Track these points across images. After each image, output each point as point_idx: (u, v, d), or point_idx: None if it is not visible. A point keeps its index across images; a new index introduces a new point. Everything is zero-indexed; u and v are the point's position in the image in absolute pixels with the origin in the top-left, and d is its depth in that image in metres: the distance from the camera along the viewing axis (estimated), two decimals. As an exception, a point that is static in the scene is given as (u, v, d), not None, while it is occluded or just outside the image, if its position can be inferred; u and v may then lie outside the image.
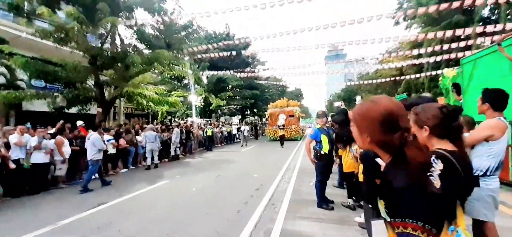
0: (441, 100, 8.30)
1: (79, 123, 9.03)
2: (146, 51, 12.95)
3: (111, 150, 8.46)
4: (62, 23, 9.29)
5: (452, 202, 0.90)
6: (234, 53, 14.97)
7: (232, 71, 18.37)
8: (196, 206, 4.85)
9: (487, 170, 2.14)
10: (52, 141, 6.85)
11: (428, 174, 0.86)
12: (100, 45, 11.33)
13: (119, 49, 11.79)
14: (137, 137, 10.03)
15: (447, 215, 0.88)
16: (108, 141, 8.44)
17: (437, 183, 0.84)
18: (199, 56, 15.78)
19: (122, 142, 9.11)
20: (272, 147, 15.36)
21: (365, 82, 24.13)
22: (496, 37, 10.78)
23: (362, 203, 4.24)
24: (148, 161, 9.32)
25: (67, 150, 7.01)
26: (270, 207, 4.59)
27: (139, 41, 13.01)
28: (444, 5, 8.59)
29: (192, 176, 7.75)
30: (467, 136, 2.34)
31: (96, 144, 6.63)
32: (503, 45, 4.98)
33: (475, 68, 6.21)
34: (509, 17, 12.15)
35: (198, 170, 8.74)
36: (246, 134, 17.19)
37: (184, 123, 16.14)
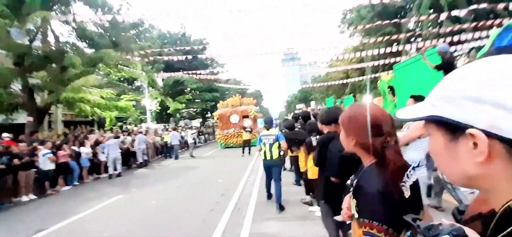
0: (380, 101, 9.51)
1: (5, 135, 7.56)
2: (89, 51, 11.52)
3: (49, 166, 7.27)
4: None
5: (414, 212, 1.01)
6: (190, 56, 14.36)
7: (190, 73, 17.60)
8: (156, 221, 4.53)
9: (419, 162, 2.62)
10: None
11: (402, 183, 0.92)
12: (28, 42, 9.64)
13: (53, 48, 10.21)
14: (81, 148, 8.84)
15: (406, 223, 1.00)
16: (44, 155, 7.24)
17: (407, 193, 0.90)
18: (152, 57, 14.69)
19: (61, 154, 7.87)
20: (232, 151, 14.41)
21: (318, 84, 26.02)
22: (420, 44, 12.95)
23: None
24: (111, 170, 9.14)
25: (-13, 170, 5.78)
26: (236, 212, 4.59)
27: (79, 39, 11.47)
28: (378, 22, 10.00)
29: (150, 187, 7.21)
30: (401, 136, 2.77)
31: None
32: (426, 55, 5.97)
33: (405, 74, 7.28)
34: (430, 28, 14.72)
35: (157, 180, 8.17)
36: (191, 140, 13.80)
37: (138, 129, 14.89)
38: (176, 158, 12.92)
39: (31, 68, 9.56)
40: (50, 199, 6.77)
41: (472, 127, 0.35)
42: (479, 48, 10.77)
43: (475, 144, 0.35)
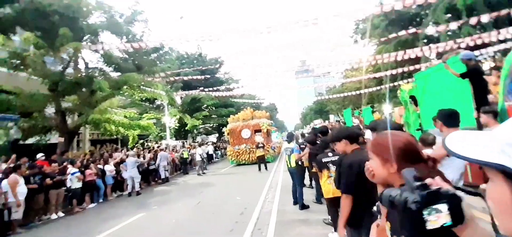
0: (401, 111, 9.12)
1: (39, 155, 8.19)
2: (114, 74, 12.36)
3: (76, 184, 7.69)
4: (17, 50, 8.55)
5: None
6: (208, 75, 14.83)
7: (206, 90, 18.09)
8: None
9: (453, 181, 2.40)
10: (5, 181, 6.03)
11: None
12: (61, 70, 10.56)
13: (84, 74, 11.09)
14: (106, 166, 9.27)
15: None
16: (72, 174, 7.69)
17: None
18: (172, 77, 15.45)
19: (88, 173, 8.29)
20: (248, 167, 14.32)
21: (334, 96, 25.58)
22: (440, 50, 12.36)
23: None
24: (129, 188, 9.33)
25: (22, 190, 6.18)
26: (256, 233, 4.49)
27: (106, 64, 12.37)
28: (393, 34, 9.72)
29: (170, 205, 7.33)
30: (430, 152, 2.62)
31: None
32: (448, 63, 5.72)
33: (427, 83, 6.98)
34: (449, 33, 14.06)
35: (176, 198, 8.30)
36: (199, 158, 13.58)
37: (158, 146, 15.40)
38: (203, 171, 13.22)
39: (63, 93, 10.40)
40: (77, 217, 7.09)
41: None
42: (504, 51, 10.10)
43: None
